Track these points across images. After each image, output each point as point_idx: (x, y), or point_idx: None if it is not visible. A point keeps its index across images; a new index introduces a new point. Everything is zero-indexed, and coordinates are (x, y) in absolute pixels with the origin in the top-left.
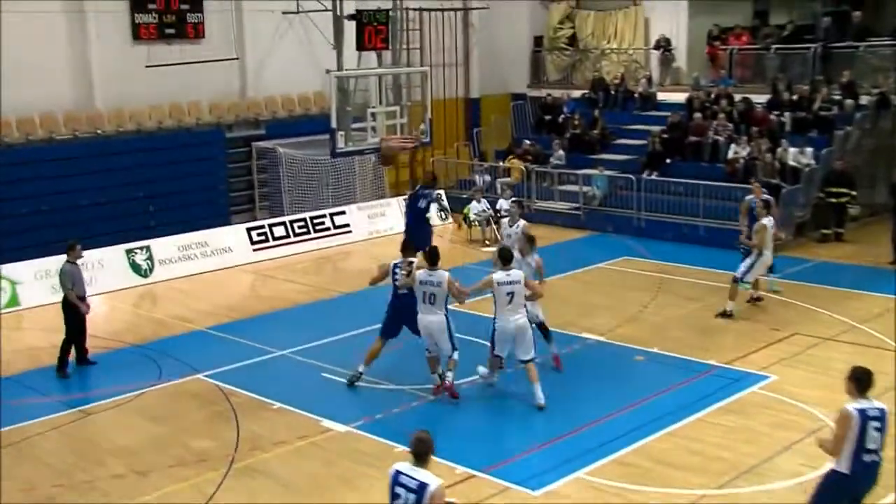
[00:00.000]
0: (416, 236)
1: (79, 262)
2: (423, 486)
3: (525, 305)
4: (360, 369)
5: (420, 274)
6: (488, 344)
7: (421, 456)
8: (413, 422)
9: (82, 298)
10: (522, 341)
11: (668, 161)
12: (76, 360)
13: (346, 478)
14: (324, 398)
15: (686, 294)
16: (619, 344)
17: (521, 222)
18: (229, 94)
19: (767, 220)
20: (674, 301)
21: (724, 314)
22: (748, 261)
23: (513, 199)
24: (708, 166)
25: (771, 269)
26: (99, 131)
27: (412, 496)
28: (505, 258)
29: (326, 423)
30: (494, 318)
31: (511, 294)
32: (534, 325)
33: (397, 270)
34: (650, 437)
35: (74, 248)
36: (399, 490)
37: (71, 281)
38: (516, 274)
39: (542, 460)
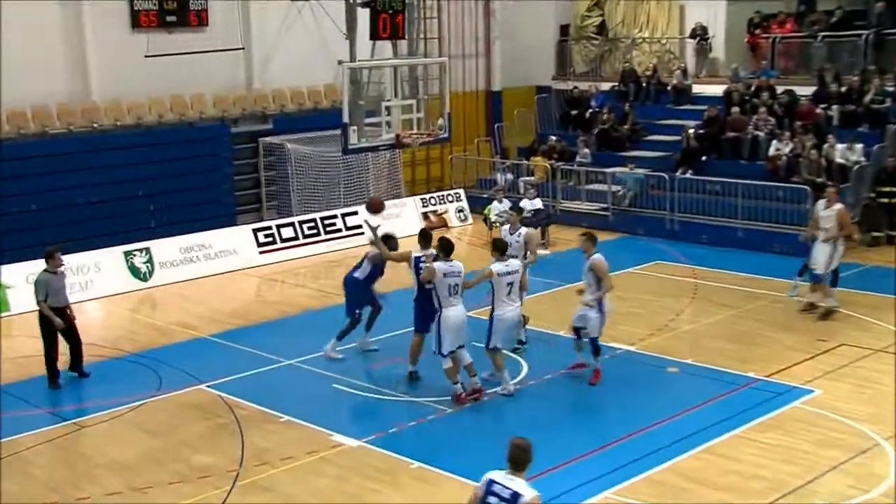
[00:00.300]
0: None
1: (61, 269)
2: (516, 496)
3: (587, 317)
4: (411, 369)
5: (441, 266)
6: (482, 343)
7: (518, 464)
8: (430, 436)
9: (63, 309)
10: (511, 331)
11: (703, 158)
12: (69, 366)
13: (358, 496)
14: (334, 410)
15: (723, 301)
16: (651, 354)
17: (523, 230)
18: (235, 87)
19: (840, 206)
20: (709, 308)
21: (828, 313)
22: (826, 252)
23: (510, 205)
24: (747, 164)
25: (834, 282)
26: (95, 125)
27: None
28: (501, 249)
29: (337, 437)
30: (493, 310)
31: (511, 284)
32: (585, 340)
33: (421, 263)
34: (684, 455)
35: (54, 255)
36: (491, 499)
37: (45, 292)
38: (515, 264)
39: (568, 478)
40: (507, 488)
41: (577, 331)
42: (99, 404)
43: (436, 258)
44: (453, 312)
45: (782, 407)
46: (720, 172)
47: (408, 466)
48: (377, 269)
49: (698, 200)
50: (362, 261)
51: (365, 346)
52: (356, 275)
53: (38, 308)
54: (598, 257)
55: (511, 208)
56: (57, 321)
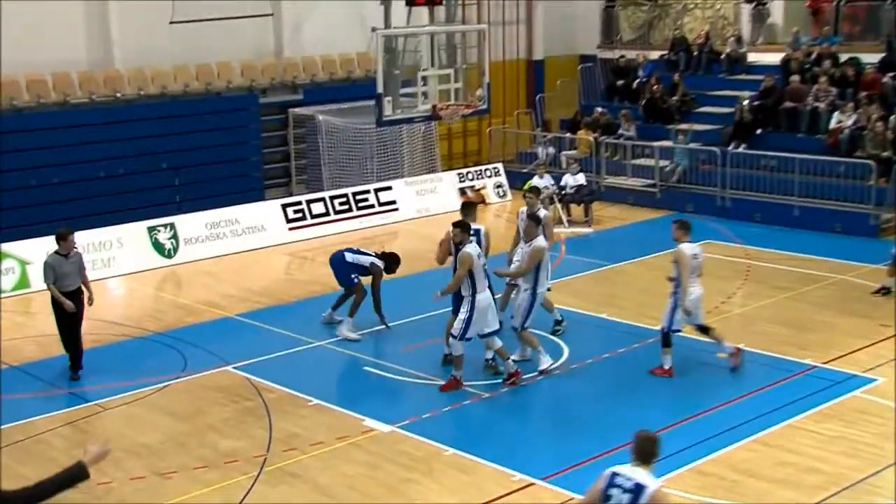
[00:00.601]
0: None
1: (74, 251)
2: (640, 486)
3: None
4: (446, 351)
5: (473, 248)
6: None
7: (643, 456)
8: (465, 421)
9: (74, 293)
10: None
11: (758, 132)
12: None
13: (391, 483)
14: (366, 394)
15: (777, 283)
16: (699, 339)
17: (543, 212)
18: (263, 55)
19: None
20: (763, 291)
21: None
22: None
23: (531, 184)
24: (805, 138)
25: None
26: (118, 94)
27: (626, 496)
28: (539, 220)
29: (369, 422)
30: (537, 288)
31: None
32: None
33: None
34: (734, 445)
35: (66, 237)
36: (613, 491)
37: (52, 275)
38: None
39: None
40: (631, 479)
41: (699, 328)
42: (121, 385)
43: (461, 243)
44: (485, 296)
45: (842, 396)
46: (776, 146)
47: (442, 453)
48: (366, 270)
49: (752, 176)
50: (361, 251)
51: (329, 319)
52: (347, 257)
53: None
54: (681, 248)
55: (529, 190)
56: (67, 303)
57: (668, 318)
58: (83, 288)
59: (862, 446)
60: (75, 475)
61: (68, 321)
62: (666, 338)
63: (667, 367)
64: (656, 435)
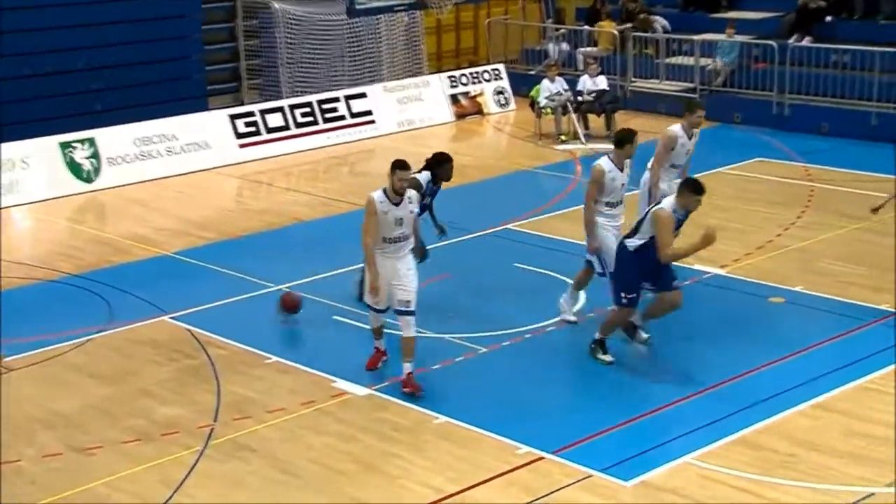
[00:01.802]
0: None
1: None
2: None
3: None
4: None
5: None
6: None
7: None
8: (459, 383)
9: None
10: None
11: (827, 19)
12: None
13: (367, 459)
14: (336, 350)
15: (847, 210)
16: (748, 280)
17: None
18: None
19: None
20: (829, 220)
21: None
22: None
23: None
24: (889, 25)
25: None
26: None
27: None
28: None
29: (340, 383)
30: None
31: None
32: None
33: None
34: (791, 410)
35: None
36: None
37: None
38: None
39: (637, 439)
40: None
41: None
42: (30, 341)
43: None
44: None
45: None
46: (850, 38)
47: (431, 421)
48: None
49: (818, 77)
50: None
51: None
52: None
53: None
54: None
55: (690, 105)
56: None
57: None
58: None
59: None
60: None
61: None
62: None
63: None
64: None
